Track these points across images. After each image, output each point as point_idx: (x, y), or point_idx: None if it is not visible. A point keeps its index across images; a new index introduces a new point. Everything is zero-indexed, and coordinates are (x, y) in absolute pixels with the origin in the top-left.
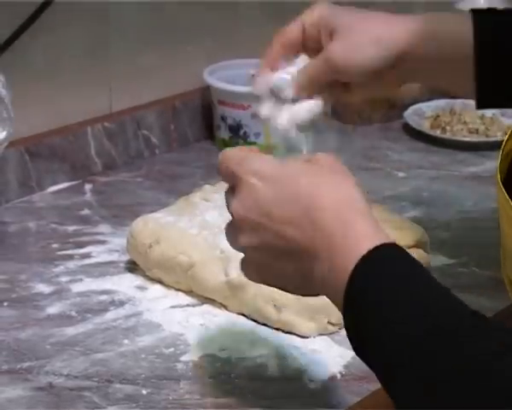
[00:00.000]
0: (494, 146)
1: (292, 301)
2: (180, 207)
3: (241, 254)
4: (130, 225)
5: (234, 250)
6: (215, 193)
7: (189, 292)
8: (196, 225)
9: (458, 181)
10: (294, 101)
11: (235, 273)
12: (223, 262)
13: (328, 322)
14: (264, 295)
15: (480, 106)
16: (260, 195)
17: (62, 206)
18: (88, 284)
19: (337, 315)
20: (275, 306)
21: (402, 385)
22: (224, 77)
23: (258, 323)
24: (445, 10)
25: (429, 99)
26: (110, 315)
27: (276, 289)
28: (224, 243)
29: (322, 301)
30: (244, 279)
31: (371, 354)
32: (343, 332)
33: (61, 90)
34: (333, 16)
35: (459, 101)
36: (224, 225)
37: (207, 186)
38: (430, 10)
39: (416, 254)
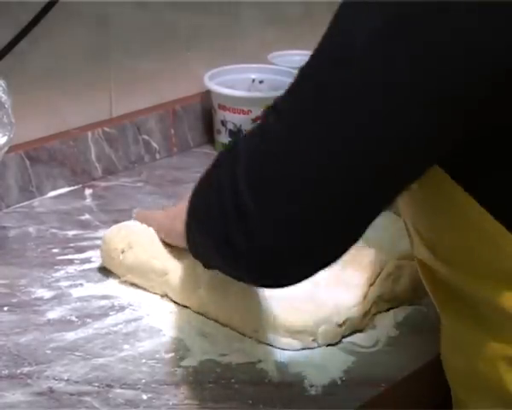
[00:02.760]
0: None
1: (269, 323)
2: None
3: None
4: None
5: None
6: None
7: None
8: None
9: None
10: None
11: (207, 286)
12: (196, 273)
13: (313, 340)
14: (239, 308)
15: None
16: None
17: (62, 211)
18: (88, 289)
19: (323, 335)
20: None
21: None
22: (224, 82)
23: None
24: None
25: None
26: (110, 320)
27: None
28: None
29: (304, 323)
30: (218, 293)
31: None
32: (344, 338)
33: (61, 95)
34: None
35: None
36: None
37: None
38: None
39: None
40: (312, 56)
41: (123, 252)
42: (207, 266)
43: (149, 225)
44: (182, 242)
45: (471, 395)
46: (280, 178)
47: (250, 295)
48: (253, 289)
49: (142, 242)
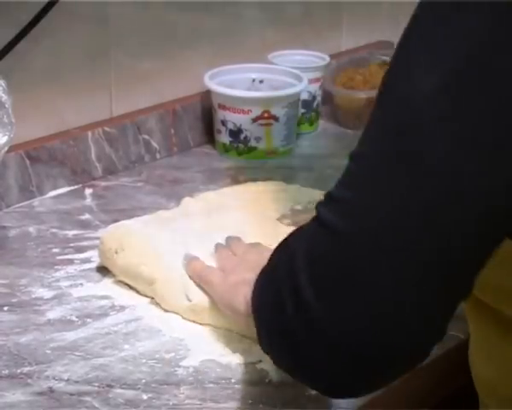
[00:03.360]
0: None
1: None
2: (156, 219)
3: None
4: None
5: None
6: (194, 205)
7: None
8: (164, 237)
9: None
10: None
11: (197, 298)
12: (183, 284)
13: None
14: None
15: None
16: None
17: (62, 210)
18: (88, 289)
19: None
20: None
21: None
22: (224, 81)
23: None
24: None
25: None
26: (110, 320)
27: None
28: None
29: None
30: (206, 304)
31: None
32: None
33: (61, 94)
34: None
35: None
36: (192, 237)
37: (187, 198)
38: None
39: None
40: (370, 136)
41: (116, 252)
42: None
43: (202, 284)
44: (244, 319)
45: (499, 404)
46: (352, 275)
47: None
48: None
49: (135, 244)
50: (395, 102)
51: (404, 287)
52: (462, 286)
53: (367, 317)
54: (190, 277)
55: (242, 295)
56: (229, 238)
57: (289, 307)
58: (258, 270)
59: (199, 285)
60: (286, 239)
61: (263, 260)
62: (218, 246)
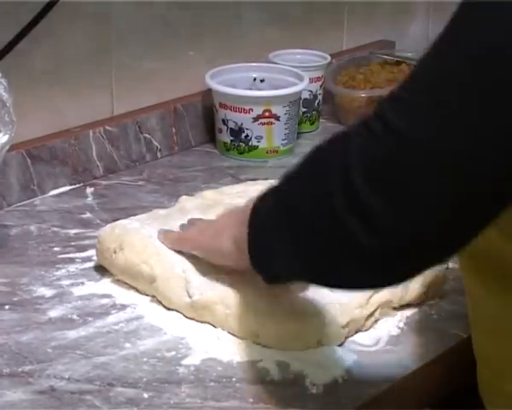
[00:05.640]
0: None
1: (270, 327)
2: (152, 217)
3: (201, 276)
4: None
5: (194, 270)
6: (190, 203)
7: None
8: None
9: None
10: None
11: (198, 294)
12: (185, 281)
13: (317, 342)
14: (235, 315)
15: None
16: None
17: (64, 209)
18: (89, 288)
19: (327, 337)
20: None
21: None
22: (225, 80)
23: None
24: (446, 14)
25: None
26: (111, 319)
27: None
28: (185, 263)
29: (307, 325)
30: (209, 300)
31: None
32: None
33: (62, 93)
34: None
35: None
36: None
37: (184, 197)
38: (430, 10)
39: None
40: (442, 49)
41: (115, 252)
42: (283, 278)
43: (182, 246)
44: (232, 259)
45: (504, 380)
46: (413, 175)
47: (248, 301)
48: (254, 291)
49: (134, 243)
50: (478, 26)
51: (455, 191)
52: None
53: (423, 212)
54: (169, 247)
55: (226, 236)
56: (191, 219)
57: (337, 194)
58: (238, 214)
59: (202, 285)
60: (335, 133)
61: (241, 208)
62: (183, 224)
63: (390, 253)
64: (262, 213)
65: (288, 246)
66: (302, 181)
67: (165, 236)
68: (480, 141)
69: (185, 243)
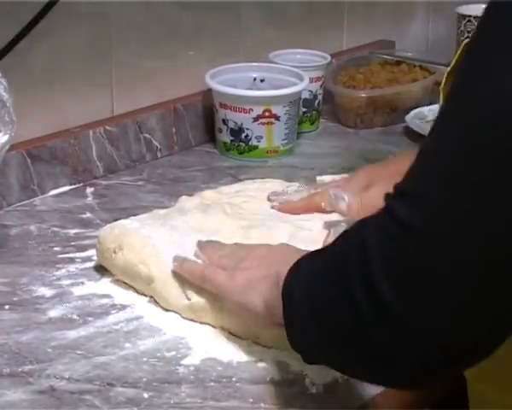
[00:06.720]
0: None
1: (269, 327)
2: (152, 217)
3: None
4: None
5: None
6: (190, 203)
7: None
8: (161, 235)
9: None
10: None
11: (195, 297)
12: (182, 283)
13: None
14: (235, 315)
15: None
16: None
17: (64, 209)
18: (89, 288)
19: None
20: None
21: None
22: (225, 80)
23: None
24: (446, 14)
25: (431, 103)
26: (111, 318)
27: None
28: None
29: None
30: (205, 303)
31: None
32: None
33: (62, 93)
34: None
35: None
36: (190, 235)
37: (184, 197)
38: (430, 10)
39: None
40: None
41: (114, 252)
42: (318, 360)
43: (204, 285)
44: (260, 318)
45: (490, 387)
46: (438, 278)
47: None
48: None
49: (133, 244)
50: (477, 100)
51: (483, 285)
52: None
53: (450, 314)
54: (189, 279)
55: (258, 293)
56: (208, 241)
57: (360, 296)
58: (271, 266)
59: (200, 286)
60: (349, 230)
61: (273, 255)
62: (201, 243)
63: (413, 351)
64: (293, 301)
65: (316, 339)
66: (328, 283)
67: (184, 267)
68: (480, 229)
69: (210, 286)
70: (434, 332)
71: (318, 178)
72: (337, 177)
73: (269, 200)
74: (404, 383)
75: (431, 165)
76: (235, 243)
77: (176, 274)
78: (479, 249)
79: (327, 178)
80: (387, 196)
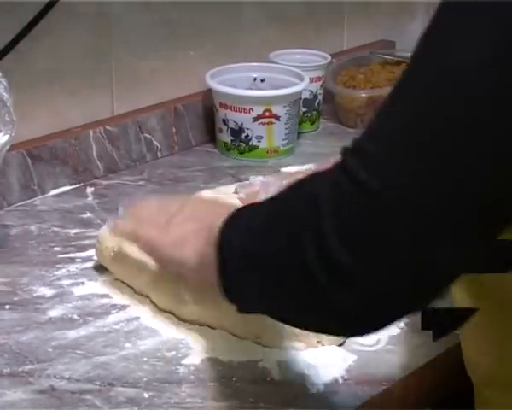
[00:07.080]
0: None
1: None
2: None
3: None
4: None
5: None
6: None
7: None
8: None
9: None
10: None
11: (192, 299)
12: (178, 284)
13: (318, 342)
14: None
15: None
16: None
17: (64, 209)
18: (90, 288)
19: (328, 337)
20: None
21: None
22: (225, 80)
23: None
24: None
25: None
26: (112, 318)
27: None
28: None
29: None
30: (202, 304)
31: None
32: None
33: (62, 93)
34: None
35: None
36: None
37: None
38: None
39: None
40: (406, 83)
41: (113, 251)
42: (254, 312)
43: (135, 242)
44: (194, 274)
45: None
46: (392, 241)
47: None
48: None
49: (131, 243)
50: (433, 60)
51: (440, 243)
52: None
53: (401, 274)
54: (122, 237)
55: (192, 248)
56: (137, 200)
57: (310, 252)
58: (204, 219)
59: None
60: (299, 183)
61: (205, 208)
62: (127, 203)
63: (361, 307)
64: (232, 251)
65: (258, 289)
66: (274, 234)
67: (116, 228)
68: (438, 188)
69: (141, 241)
70: (385, 294)
71: (283, 169)
72: (303, 167)
73: (235, 192)
74: (347, 333)
75: (386, 124)
76: (165, 198)
77: (172, 275)
78: (437, 215)
79: (292, 169)
80: (344, 151)
